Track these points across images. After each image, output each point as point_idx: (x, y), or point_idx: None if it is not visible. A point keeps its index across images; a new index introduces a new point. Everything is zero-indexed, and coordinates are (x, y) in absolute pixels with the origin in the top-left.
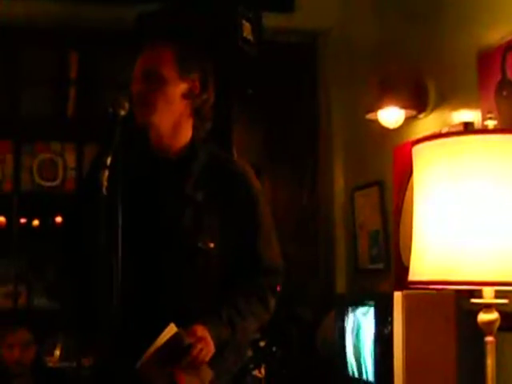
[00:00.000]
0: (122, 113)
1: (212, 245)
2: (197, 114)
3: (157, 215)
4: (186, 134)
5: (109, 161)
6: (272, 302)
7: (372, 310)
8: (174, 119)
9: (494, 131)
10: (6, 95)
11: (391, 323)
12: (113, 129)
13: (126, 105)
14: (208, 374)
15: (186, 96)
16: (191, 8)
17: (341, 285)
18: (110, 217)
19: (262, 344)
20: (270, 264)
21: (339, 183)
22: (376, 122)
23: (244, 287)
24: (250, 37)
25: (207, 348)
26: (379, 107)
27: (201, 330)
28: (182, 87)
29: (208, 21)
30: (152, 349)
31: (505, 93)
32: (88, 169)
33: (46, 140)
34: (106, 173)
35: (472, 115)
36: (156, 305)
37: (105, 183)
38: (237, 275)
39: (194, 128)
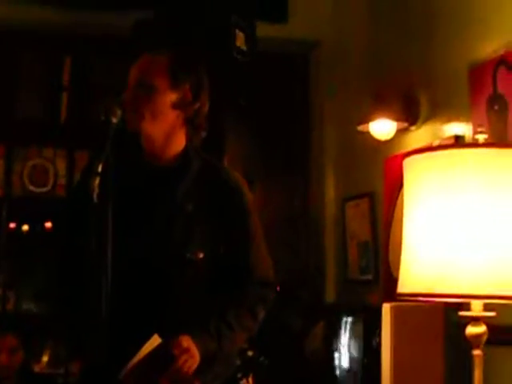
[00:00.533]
0: (114, 120)
1: (201, 255)
2: (189, 123)
3: (147, 224)
4: (179, 143)
5: (100, 168)
6: (261, 314)
7: (361, 320)
8: (165, 128)
9: (485, 145)
10: None
11: (379, 335)
12: (105, 136)
13: (118, 112)
14: None
15: (176, 105)
16: (185, 17)
17: (330, 295)
18: (100, 224)
19: (250, 353)
20: (260, 276)
21: (330, 194)
22: (367, 133)
23: (234, 299)
24: (243, 46)
25: (192, 360)
26: (371, 119)
27: (186, 342)
28: (173, 97)
29: (201, 30)
30: (135, 359)
31: (496, 107)
32: (80, 176)
33: (38, 146)
34: (97, 180)
35: (463, 128)
36: (144, 314)
37: (96, 190)
38: (227, 286)
39: (187, 137)
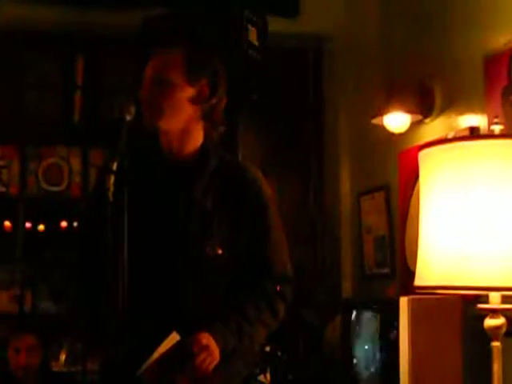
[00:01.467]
0: (128, 118)
1: (220, 251)
2: (207, 118)
3: (165, 220)
4: (197, 138)
5: (115, 166)
6: (281, 310)
7: (378, 314)
8: (183, 124)
9: (501, 136)
10: (12, 100)
11: (397, 328)
12: (119, 134)
13: (132, 110)
14: (213, 383)
15: (194, 101)
16: (196, 13)
17: (347, 289)
18: (117, 221)
19: (267, 349)
20: (279, 271)
21: (345, 188)
22: (382, 126)
23: (253, 294)
24: (255, 41)
25: (211, 357)
26: (385, 112)
27: (205, 339)
28: (190, 92)
29: (213, 25)
30: (154, 356)
31: (511, 97)
32: (97, 174)
33: (52, 145)
34: (112, 178)
35: (478, 120)
36: (163, 310)
37: (111, 188)
38: (246, 282)
39: (205, 133)
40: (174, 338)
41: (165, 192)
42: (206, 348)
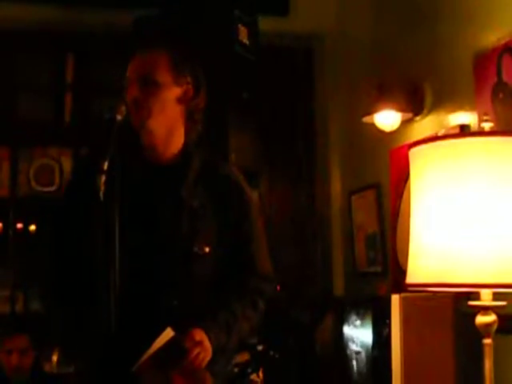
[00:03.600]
0: (119, 118)
1: (207, 249)
2: (190, 118)
3: (153, 220)
4: (180, 138)
5: (106, 166)
6: (262, 306)
7: (370, 312)
8: (169, 124)
9: (491, 133)
10: (2, 100)
11: (389, 326)
12: (109, 134)
13: (123, 109)
14: (206, 378)
15: (180, 100)
16: (187, 12)
17: (338, 288)
18: (108, 222)
19: (259, 348)
20: (261, 270)
21: (336, 186)
22: (372, 125)
23: (238, 291)
24: (246, 41)
25: (205, 353)
26: (375, 110)
27: (199, 335)
28: (177, 91)
29: (204, 25)
30: (149, 352)
31: (501, 95)
32: (75, 171)
33: (43, 145)
34: (103, 178)
35: (468, 118)
36: (153, 308)
37: (102, 188)
38: (231, 279)
39: (187, 132)
40: (168, 333)
41: (151, 192)
42: (200, 344)
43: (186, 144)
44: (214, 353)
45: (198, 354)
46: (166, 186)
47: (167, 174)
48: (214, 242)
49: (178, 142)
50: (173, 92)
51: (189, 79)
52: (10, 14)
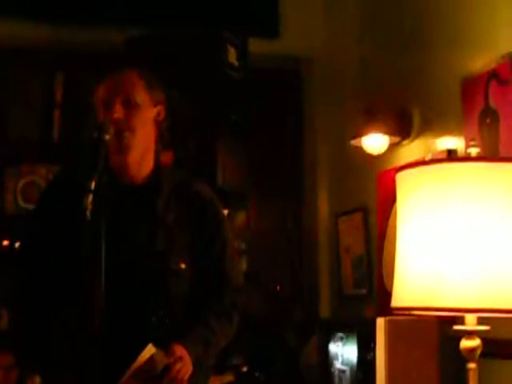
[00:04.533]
0: (107, 137)
1: (183, 265)
2: (161, 139)
3: (129, 238)
4: (152, 158)
5: (93, 185)
6: (236, 319)
7: (355, 335)
8: (145, 144)
9: (477, 159)
10: None
11: (374, 349)
12: (97, 153)
13: (111, 129)
14: None
15: (154, 121)
16: (178, 33)
17: (324, 310)
18: (93, 240)
19: (244, 369)
20: (234, 282)
21: (323, 208)
22: (360, 148)
23: (213, 306)
24: (235, 62)
25: (186, 367)
26: (363, 133)
27: (179, 350)
28: (153, 112)
29: (194, 46)
30: (131, 369)
31: (488, 120)
32: (47, 188)
33: (31, 163)
34: (91, 197)
35: (455, 142)
36: (131, 325)
37: (89, 207)
38: (206, 294)
39: (157, 153)
40: (150, 350)
41: (127, 211)
42: (181, 359)
43: (156, 164)
44: (194, 367)
45: (180, 369)
46: (141, 204)
47: (141, 192)
48: (189, 258)
49: (150, 162)
50: (150, 112)
51: (161, 100)
52: (0, 33)
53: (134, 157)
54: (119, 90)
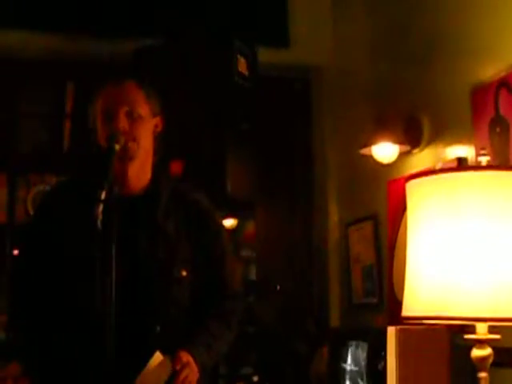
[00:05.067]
0: (117, 147)
1: (184, 273)
2: (157, 149)
3: (132, 247)
4: (149, 169)
5: (103, 195)
6: (235, 325)
7: (365, 344)
8: (145, 155)
9: (487, 168)
10: (1, 127)
11: (384, 358)
12: (108, 163)
13: (122, 139)
14: None
15: (153, 133)
16: (187, 43)
17: (335, 319)
18: (105, 250)
19: (255, 379)
20: (233, 289)
21: (333, 217)
22: (370, 157)
23: (214, 313)
24: (245, 71)
25: (192, 373)
26: (373, 142)
27: (185, 356)
28: (152, 123)
29: (204, 56)
30: (141, 377)
31: (498, 129)
32: (43, 202)
33: (41, 172)
34: (101, 207)
35: (466, 151)
36: (137, 335)
37: (100, 217)
38: (206, 301)
39: (154, 163)
40: (158, 357)
41: (127, 221)
42: (188, 365)
43: (154, 174)
44: (199, 373)
45: (187, 375)
46: (141, 214)
47: (140, 202)
48: (190, 266)
49: (148, 172)
50: (150, 124)
51: (159, 111)
52: (11, 43)
53: (135, 167)
54: (122, 100)
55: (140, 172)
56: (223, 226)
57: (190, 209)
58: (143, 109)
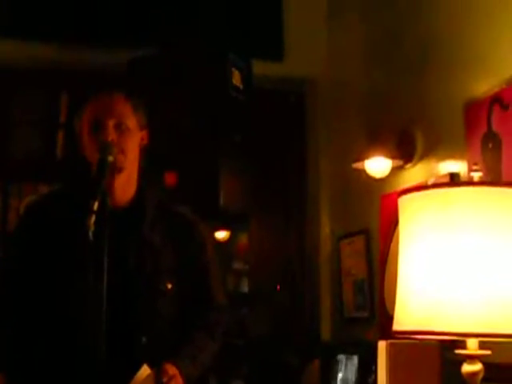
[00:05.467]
0: (111, 159)
1: (170, 285)
2: (142, 163)
3: (118, 261)
4: (135, 182)
5: (96, 206)
6: (219, 337)
7: (356, 358)
8: (132, 168)
9: (480, 183)
10: None
11: (375, 372)
12: (101, 174)
13: (114, 151)
14: None
15: (139, 145)
16: (182, 55)
17: (326, 332)
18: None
19: None
20: (218, 302)
21: (325, 231)
22: (363, 171)
23: (199, 325)
24: (239, 84)
25: None
26: (366, 157)
27: (171, 369)
28: (139, 136)
29: (198, 68)
30: None
31: (490, 145)
32: (25, 215)
33: (34, 182)
34: (93, 218)
35: (458, 166)
36: (122, 348)
37: (92, 228)
38: (191, 314)
39: (139, 176)
40: (145, 370)
41: (113, 233)
42: (174, 377)
43: (139, 187)
44: None
45: None
46: (127, 227)
47: (125, 215)
48: (175, 278)
49: (133, 185)
50: (138, 136)
51: (145, 124)
52: (5, 51)
53: (121, 179)
54: (111, 112)
55: (126, 184)
56: (208, 239)
57: (174, 221)
58: (131, 121)
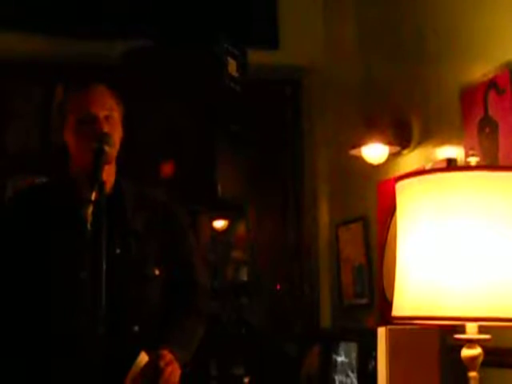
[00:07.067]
0: (107, 149)
1: (157, 271)
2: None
3: (107, 250)
4: (114, 172)
5: (93, 196)
6: (204, 322)
7: (356, 344)
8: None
9: (477, 168)
10: None
11: (375, 358)
12: (98, 164)
13: (111, 141)
14: None
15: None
16: (177, 45)
17: (325, 319)
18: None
19: (246, 380)
20: (202, 286)
21: (323, 218)
22: (360, 158)
23: (185, 310)
24: (235, 73)
25: (176, 370)
26: (363, 143)
27: (167, 354)
28: (121, 128)
29: (193, 57)
30: (129, 377)
31: (487, 130)
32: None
33: (30, 175)
34: (91, 208)
35: (455, 151)
36: (115, 336)
37: (89, 218)
38: (177, 299)
39: (117, 166)
40: (143, 357)
41: (99, 221)
42: (171, 362)
43: (116, 178)
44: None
45: (171, 372)
46: (109, 214)
47: (108, 203)
48: (161, 264)
49: (113, 174)
50: (120, 128)
51: (123, 116)
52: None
53: (108, 170)
54: (102, 104)
55: (110, 175)
56: (188, 227)
57: (155, 208)
58: (116, 113)
